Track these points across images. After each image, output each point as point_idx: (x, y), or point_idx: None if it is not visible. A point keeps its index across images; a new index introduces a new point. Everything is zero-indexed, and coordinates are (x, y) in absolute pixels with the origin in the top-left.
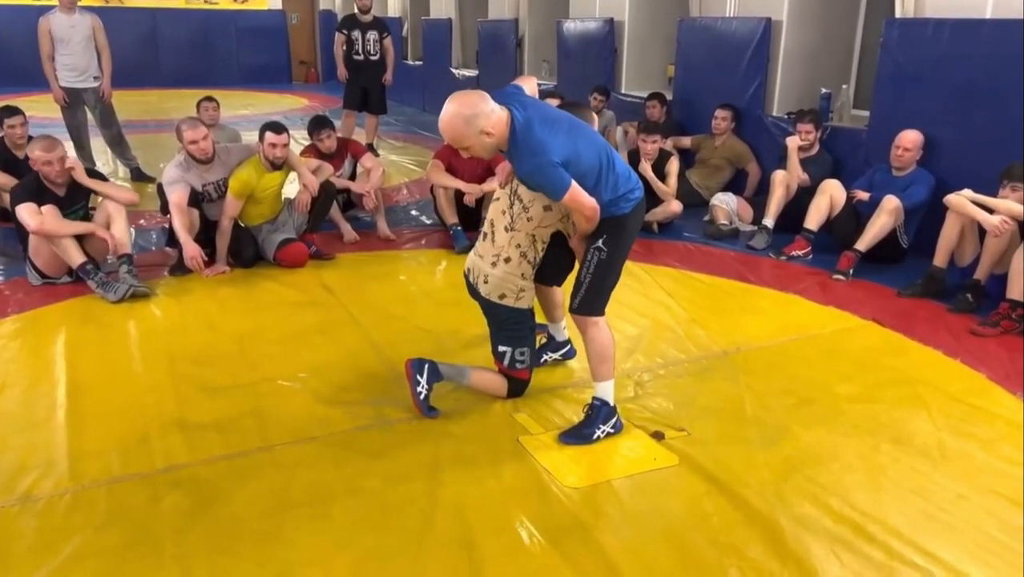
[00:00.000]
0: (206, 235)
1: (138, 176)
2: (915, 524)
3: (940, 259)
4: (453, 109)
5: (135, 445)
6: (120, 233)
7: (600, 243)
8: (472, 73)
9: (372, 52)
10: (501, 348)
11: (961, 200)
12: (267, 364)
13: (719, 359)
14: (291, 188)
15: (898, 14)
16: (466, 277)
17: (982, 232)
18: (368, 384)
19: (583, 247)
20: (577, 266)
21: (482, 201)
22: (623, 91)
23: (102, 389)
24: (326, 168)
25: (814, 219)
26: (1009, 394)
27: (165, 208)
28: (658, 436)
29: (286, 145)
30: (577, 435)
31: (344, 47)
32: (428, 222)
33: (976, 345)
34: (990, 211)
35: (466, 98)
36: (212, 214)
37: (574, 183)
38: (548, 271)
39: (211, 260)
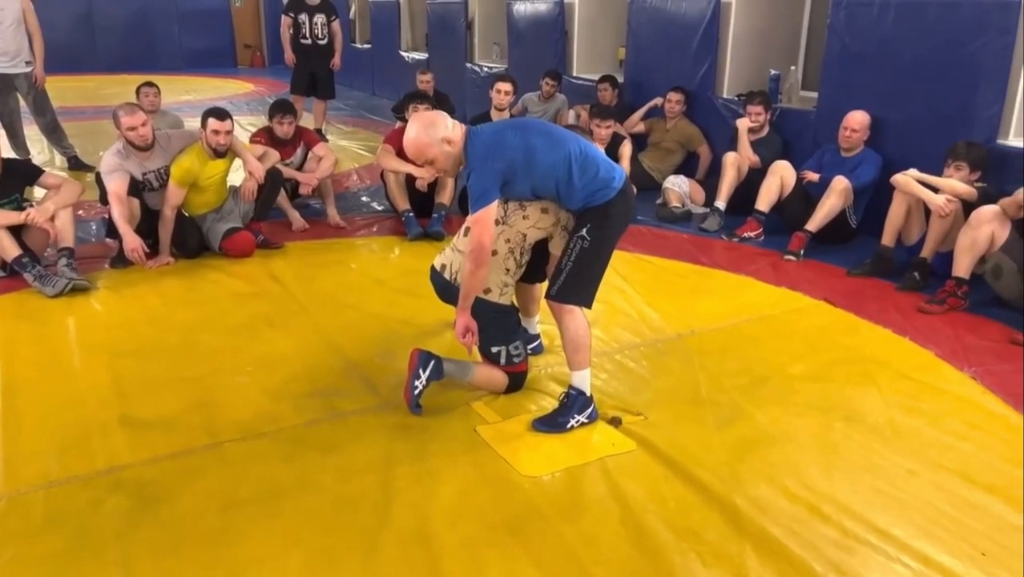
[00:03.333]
0: (148, 225)
1: (76, 165)
2: (868, 501)
3: (888, 238)
4: (416, 125)
5: (75, 446)
6: (63, 225)
7: (584, 231)
8: (422, 56)
9: (320, 36)
10: (494, 348)
11: (907, 180)
12: (214, 358)
13: (674, 342)
14: (237, 176)
15: None
16: (437, 274)
17: (928, 211)
18: (319, 376)
19: (563, 241)
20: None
21: (434, 186)
22: (574, 74)
23: (39, 387)
24: (272, 155)
25: (765, 201)
26: (956, 370)
27: (104, 198)
28: (615, 422)
29: (229, 132)
30: (551, 423)
31: (291, 30)
32: (379, 208)
33: (924, 323)
34: (936, 190)
35: (425, 115)
36: (153, 203)
37: (492, 208)
38: (530, 267)
39: (153, 251)
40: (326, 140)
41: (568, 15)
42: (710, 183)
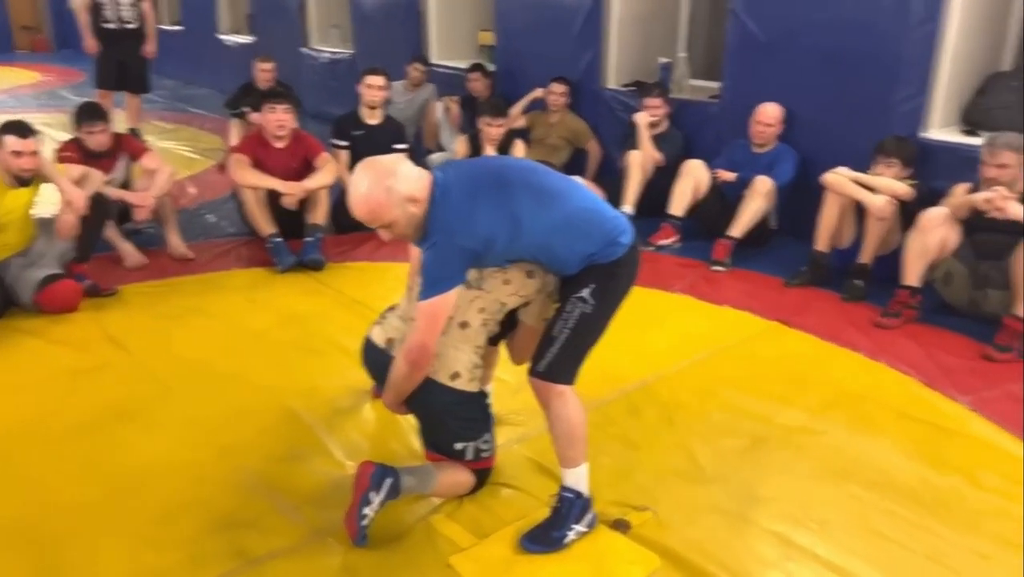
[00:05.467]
0: None
1: None
2: None
3: (822, 243)
4: (368, 177)
5: None
6: None
7: (586, 293)
8: (247, 40)
9: (128, 19)
10: (458, 445)
11: (840, 180)
12: (46, 486)
13: (642, 393)
14: (46, 206)
15: None
16: (377, 351)
17: (860, 211)
18: (212, 499)
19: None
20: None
21: (305, 203)
22: (433, 61)
23: None
24: (94, 177)
25: (679, 204)
26: (952, 402)
27: None
28: (622, 526)
29: (35, 152)
30: (545, 540)
31: (90, 13)
32: (231, 230)
33: (888, 341)
34: (871, 190)
35: (378, 163)
36: None
37: (450, 298)
38: None
39: None
40: (142, 141)
41: None
42: (607, 184)
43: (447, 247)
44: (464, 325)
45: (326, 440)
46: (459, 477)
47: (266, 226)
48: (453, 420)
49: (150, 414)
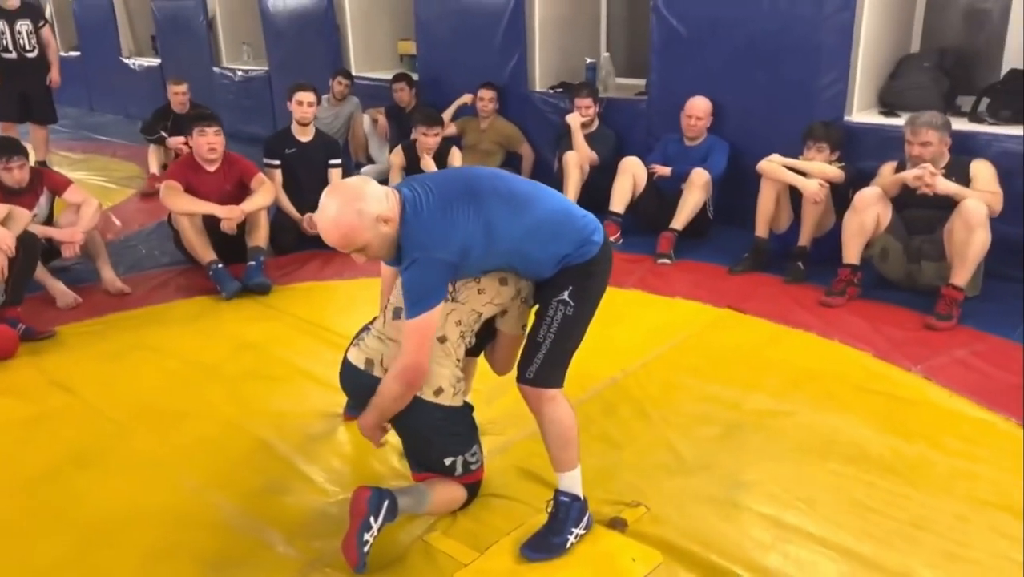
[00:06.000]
0: None
1: None
2: (941, 567)
3: (761, 229)
4: (337, 201)
5: None
6: None
7: (566, 295)
8: (152, 62)
9: (27, 47)
10: (447, 460)
11: (774, 167)
12: (15, 534)
13: (613, 389)
14: None
15: None
16: (358, 373)
17: (795, 196)
18: (195, 543)
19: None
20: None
21: (243, 226)
22: (354, 73)
23: None
24: (20, 215)
25: (620, 201)
26: (905, 372)
27: None
28: (618, 524)
29: None
30: (546, 547)
31: None
32: (166, 260)
33: (836, 318)
34: (803, 175)
35: (345, 187)
36: None
37: (435, 315)
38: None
39: None
40: (64, 176)
41: (338, 7)
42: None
43: (426, 263)
44: (443, 340)
45: (304, 468)
46: (452, 493)
47: (205, 253)
48: (440, 436)
49: (110, 458)
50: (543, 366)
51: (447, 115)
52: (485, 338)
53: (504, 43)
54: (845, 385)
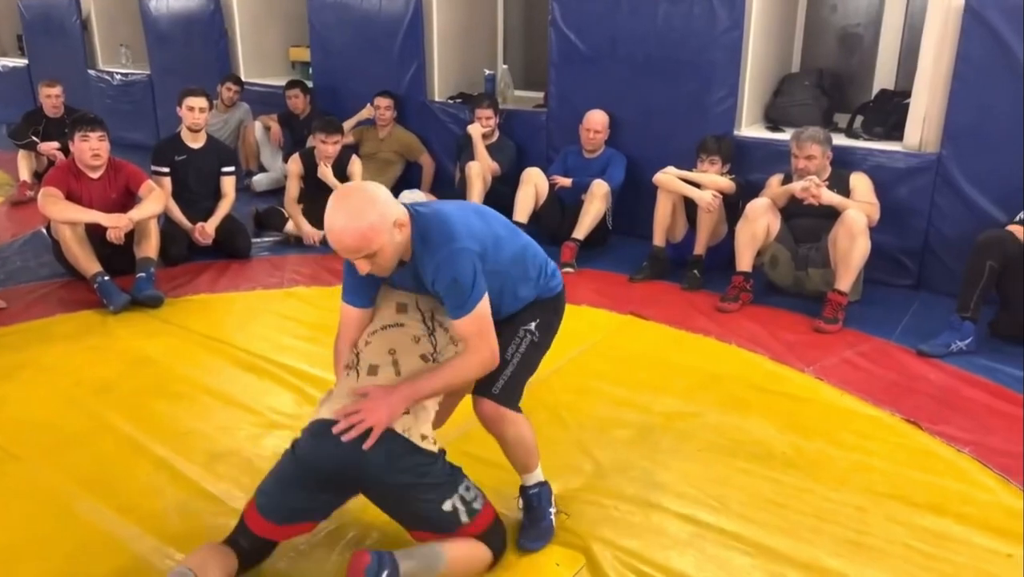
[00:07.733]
0: None
1: None
2: (855, 560)
3: (659, 239)
4: (357, 202)
5: None
6: None
7: (533, 326)
8: (18, 62)
9: None
10: (445, 508)
11: (670, 178)
12: None
13: (527, 396)
14: None
15: None
16: (321, 435)
17: (689, 206)
18: None
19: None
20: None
21: (131, 235)
22: (244, 79)
23: None
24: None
25: (523, 211)
26: (800, 373)
27: None
28: None
29: None
30: (539, 533)
31: None
32: (44, 272)
33: (732, 323)
34: (697, 186)
35: (364, 189)
36: None
37: (483, 304)
38: None
39: None
40: None
41: (227, 12)
42: (444, 196)
43: (457, 254)
44: None
45: (211, 488)
46: (473, 550)
47: (90, 265)
48: (425, 480)
49: (8, 500)
50: (507, 387)
51: (348, 125)
52: None
53: (403, 52)
54: (746, 386)
